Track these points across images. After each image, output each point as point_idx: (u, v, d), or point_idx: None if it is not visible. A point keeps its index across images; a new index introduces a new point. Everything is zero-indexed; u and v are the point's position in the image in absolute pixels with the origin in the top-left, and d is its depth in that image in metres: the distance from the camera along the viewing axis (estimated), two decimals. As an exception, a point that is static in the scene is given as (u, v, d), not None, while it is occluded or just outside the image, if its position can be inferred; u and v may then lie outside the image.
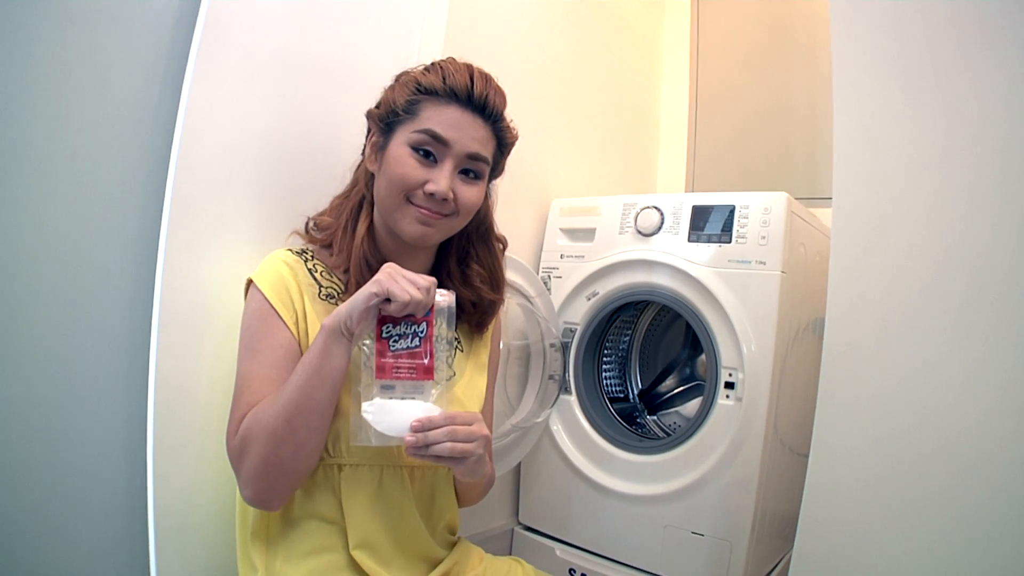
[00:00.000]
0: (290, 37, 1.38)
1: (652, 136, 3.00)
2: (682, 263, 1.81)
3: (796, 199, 1.79)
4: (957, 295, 1.14)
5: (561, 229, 2.12)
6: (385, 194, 1.14)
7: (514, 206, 2.09)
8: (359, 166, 1.24)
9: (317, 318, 1.11)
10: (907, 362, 1.18)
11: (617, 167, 2.73)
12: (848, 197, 1.26)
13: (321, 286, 1.15)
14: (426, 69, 1.16)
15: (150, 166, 1.23)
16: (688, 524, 1.78)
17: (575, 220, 2.09)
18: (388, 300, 0.99)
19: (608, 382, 2.16)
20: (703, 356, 1.87)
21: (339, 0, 1.46)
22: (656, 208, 1.90)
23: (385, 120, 1.16)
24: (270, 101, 1.35)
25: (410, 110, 1.13)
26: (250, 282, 1.14)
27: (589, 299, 1.98)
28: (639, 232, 1.91)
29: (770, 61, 2.78)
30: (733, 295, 1.73)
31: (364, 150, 1.22)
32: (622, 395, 2.22)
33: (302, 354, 1.08)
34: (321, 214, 1.25)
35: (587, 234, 2.04)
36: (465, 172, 1.15)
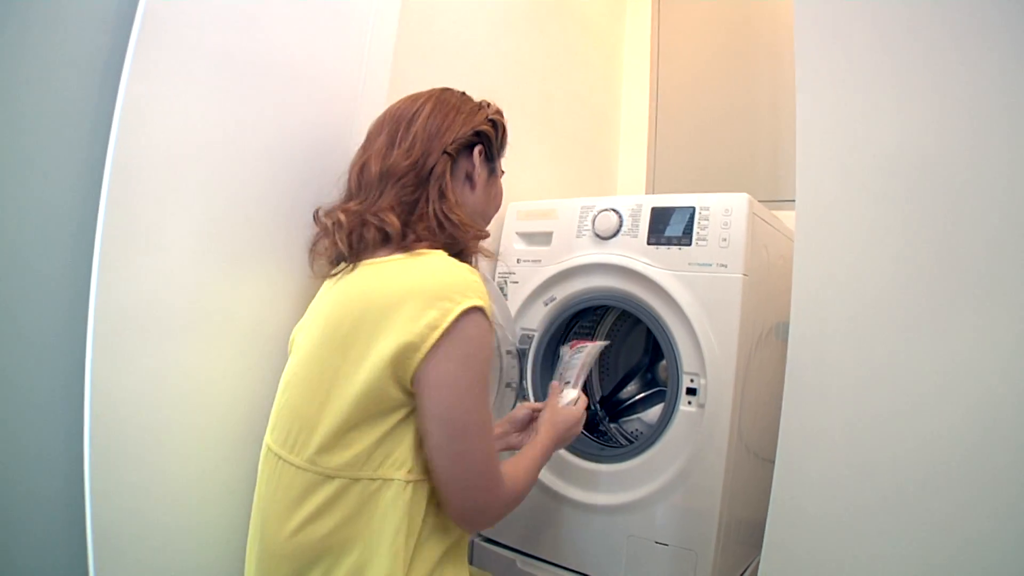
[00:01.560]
0: (234, 33, 1.33)
1: (612, 138, 2.98)
2: (641, 266, 1.77)
3: (759, 201, 1.76)
4: (926, 292, 1.11)
5: (518, 233, 2.07)
6: (483, 213, 1.36)
7: (470, 210, 2.03)
8: (434, 176, 1.25)
9: None
10: (876, 363, 1.15)
11: (577, 169, 2.70)
12: (811, 194, 1.23)
13: None
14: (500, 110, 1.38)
15: (88, 166, 1.18)
16: (652, 534, 1.74)
17: (532, 224, 2.05)
18: None
19: (568, 389, 2.10)
20: (665, 361, 1.83)
21: (286, -4, 1.42)
22: (614, 211, 1.86)
23: (499, 148, 1.37)
24: (213, 99, 1.30)
25: (505, 145, 1.39)
26: (473, 309, 1.09)
27: (547, 304, 1.93)
28: (597, 235, 1.87)
29: (732, 62, 2.77)
30: (694, 299, 1.69)
31: (451, 158, 1.27)
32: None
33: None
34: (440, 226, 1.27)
35: (544, 238, 1.99)
36: None
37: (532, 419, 1.56)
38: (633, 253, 1.80)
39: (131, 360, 1.18)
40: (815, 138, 1.23)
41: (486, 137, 1.31)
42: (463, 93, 1.35)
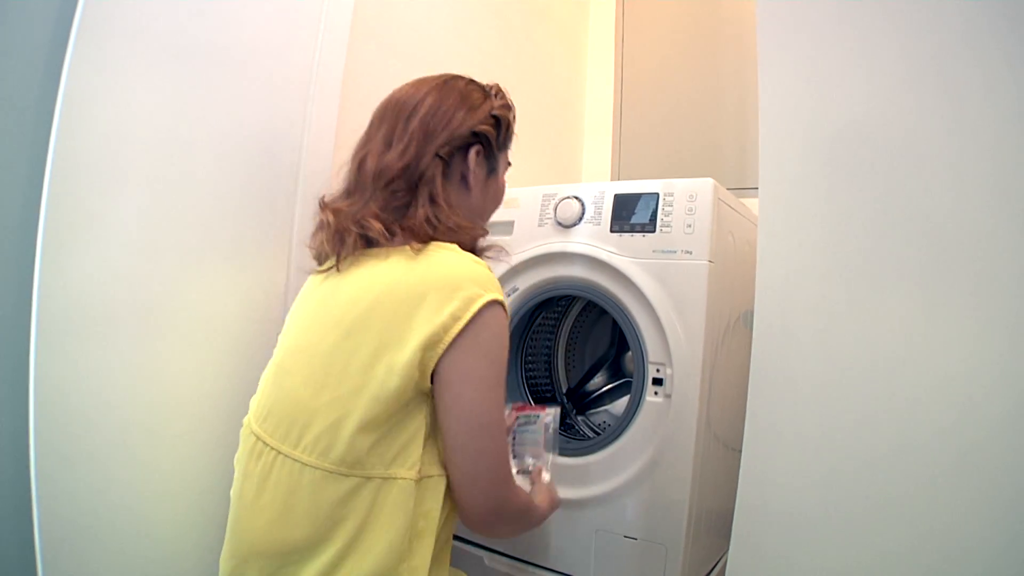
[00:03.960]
0: (181, 20, 1.30)
1: (577, 126, 2.96)
2: (604, 255, 1.73)
3: (726, 189, 1.73)
4: (894, 273, 1.09)
5: (480, 222, 2.01)
6: (480, 212, 1.31)
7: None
8: (427, 177, 1.21)
9: None
10: (844, 351, 1.13)
11: (541, 158, 2.67)
12: (774, 174, 1.21)
13: None
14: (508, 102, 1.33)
15: (31, 158, 1.15)
16: (620, 528, 1.71)
17: (493, 213, 1.99)
18: None
19: (533, 381, 2.08)
20: (631, 351, 1.80)
21: (236, -18, 1.38)
22: (576, 198, 1.82)
23: (500, 143, 1.30)
24: (160, 86, 1.27)
25: (510, 139, 1.33)
26: (493, 303, 1.09)
27: (509, 295, 1.89)
28: (559, 224, 1.83)
29: (697, 49, 2.76)
30: (659, 287, 1.66)
31: (444, 158, 1.22)
32: (549, 395, 2.15)
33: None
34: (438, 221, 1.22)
35: (506, 227, 1.95)
36: None
37: None
38: (596, 241, 1.76)
39: (76, 355, 1.16)
40: (776, 116, 1.20)
41: (485, 137, 1.26)
42: (470, 81, 1.32)
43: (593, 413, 2.13)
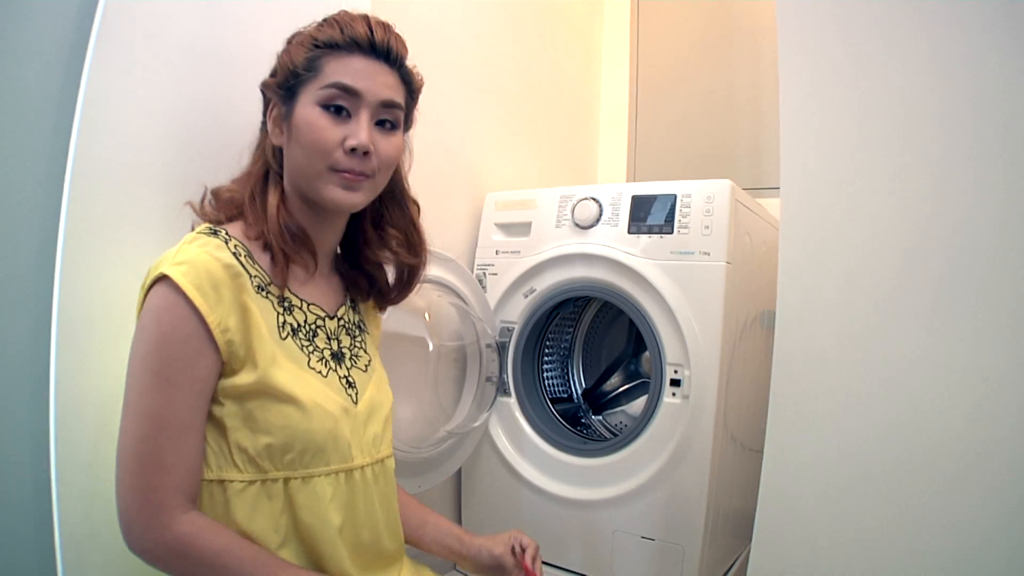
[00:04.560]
0: (198, 22, 1.29)
1: (592, 126, 2.95)
2: (622, 256, 1.73)
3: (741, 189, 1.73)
4: (916, 276, 1.09)
5: (496, 224, 2.02)
6: (304, 163, 1.05)
7: (447, 200, 2.01)
8: (260, 143, 1.15)
9: (262, 318, 0.99)
10: (874, 362, 1.13)
11: (556, 158, 2.67)
12: (797, 184, 1.20)
13: (251, 275, 1.00)
14: (320, 25, 1.08)
15: (51, 161, 1.14)
16: (638, 529, 1.72)
17: (510, 214, 2.00)
18: None
19: (550, 382, 2.09)
20: (648, 352, 1.80)
21: (253, -16, 1.38)
22: (594, 199, 1.82)
23: (285, 86, 1.07)
24: (177, 89, 1.26)
25: (311, 67, 1.04)
26: (161, 279, 0.94)
27: (526, 296, 1.89)
28: (577, 225, 1.83)
29: (712, 49, 2.75)
30: (676, 288, 1.66)
31: (264, 126, 1.13)
32: (565, 395, 2.15)
33: (221, 374, 0.97)
34: (220, 188, 1.14)
35: (523, 228, 1.95)
36: (381, 123, 1.08)
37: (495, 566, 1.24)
38: (614, 242, 1.76)
39: (97, 359, 1.14)
40: (798, 118, 1.20)
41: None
42: None
43: (610, 413, 2.13)
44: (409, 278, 1.24)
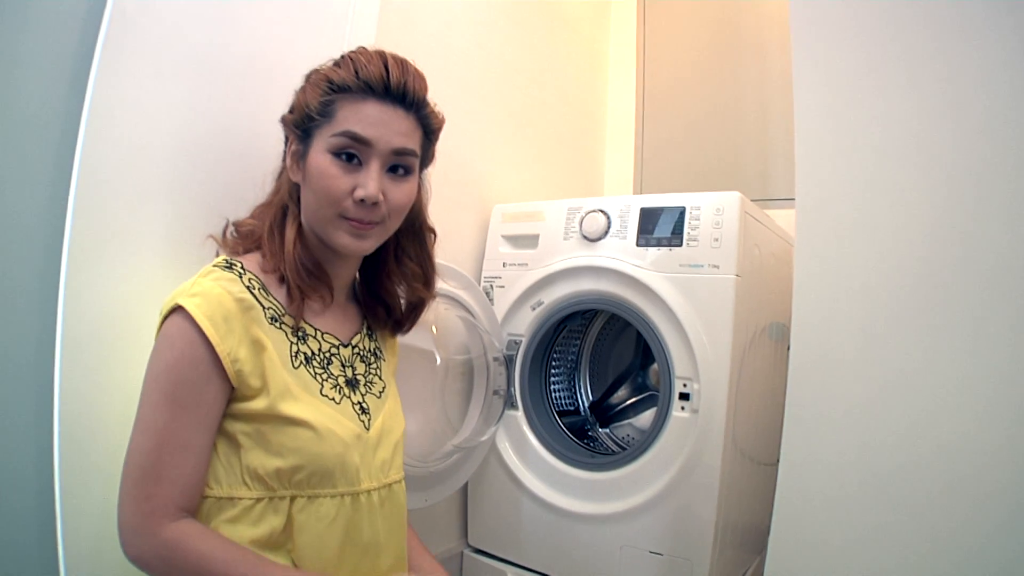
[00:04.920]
0: (206, 32, 1.29)
1: (599, 138, 2.95)
2: (630, 268, 1.72)
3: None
4: (941, 296, 1.08)
5: (503, 236, 2.02)
6: (315, 208, 1.06)
7: (454, 213, 2.01)
8: (281, 174, 1.15)
9: (275, 348, 1.01)
10: (888, 370, 1.12)
11: (563, 170, 2.67)
12: (813, 194, 1.20)
13: (264, 308, 1.02)
14: (336, 64, 1.08)
15: (56, 172, 1.14)
16: (646, 543, 1.70)
17: (518, 226, 2.00)
18: None
19: (557, 395, 2.07)
20: (656, 365, 1.79)
21: (260, -6, 1.38)
22: (602, 211, 1.81)
23: (301, 126, 1.07)
24: (184, 100, 1.26)
25: (325, 112, 1.05)
26: (176, 309, 0.97)
27: (534, 309, 1.88)
28: (585, 237, 1.82)
29: (718, 60, 2.74)
30: (686, 301, 1.65)
31: (284, 158, 1.14)
32: (572, 408, 2.14)
33: (236, 399, 0.99)
34: (242, 221, 1.16)
35: (530, 240, 1.95)
36: (393, 169, 1.08)
37: None
38: (622, 255, 1.76)
39: (102, 371, 1.15)
40: (813, 132, 1.19)
41: None
42: None
43: (617, 426, 2.12)
44: (417, 308, 1.26)
